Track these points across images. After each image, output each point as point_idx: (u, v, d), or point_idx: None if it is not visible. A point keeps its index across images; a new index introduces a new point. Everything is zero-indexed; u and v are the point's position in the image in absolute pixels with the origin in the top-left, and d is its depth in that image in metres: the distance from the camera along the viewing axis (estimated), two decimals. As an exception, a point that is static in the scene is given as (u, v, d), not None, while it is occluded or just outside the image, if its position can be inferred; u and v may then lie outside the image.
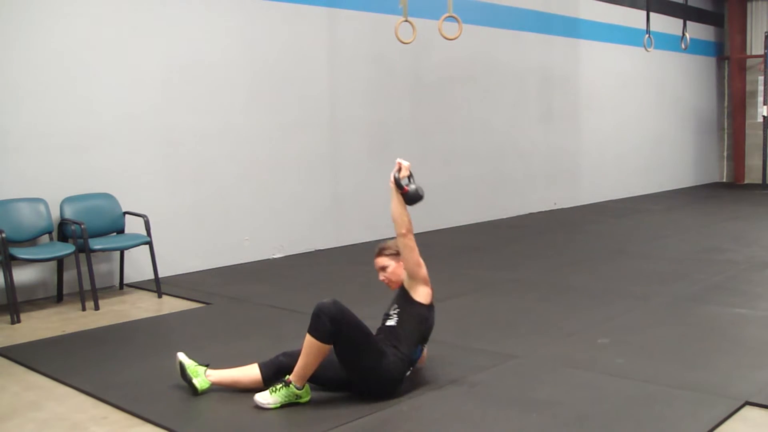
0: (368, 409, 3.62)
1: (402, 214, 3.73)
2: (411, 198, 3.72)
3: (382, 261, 3.92)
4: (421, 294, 3.83)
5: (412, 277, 3.81)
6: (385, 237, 8.79)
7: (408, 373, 3.82)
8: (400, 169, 3.76)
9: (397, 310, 3.84)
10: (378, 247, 3.95)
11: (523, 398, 3.75)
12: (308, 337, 3.57)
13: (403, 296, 3.87)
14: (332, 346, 3.58)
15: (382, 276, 3.93)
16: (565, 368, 4.18)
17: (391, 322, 3.82)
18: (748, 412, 3.55)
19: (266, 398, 3.63)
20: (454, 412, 3.60)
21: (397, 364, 3.70)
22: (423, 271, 3.82)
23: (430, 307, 3.88)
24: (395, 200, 3.74)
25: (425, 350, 4.06)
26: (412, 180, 3.77)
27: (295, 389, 3.63)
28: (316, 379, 3.72)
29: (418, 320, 3.81)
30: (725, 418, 3.45)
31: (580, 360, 4.31)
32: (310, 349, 3.58)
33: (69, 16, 6.36)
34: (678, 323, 5.12)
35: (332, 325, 3.53)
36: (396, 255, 3.87)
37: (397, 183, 3.73)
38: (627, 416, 3.50)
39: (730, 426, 3.41)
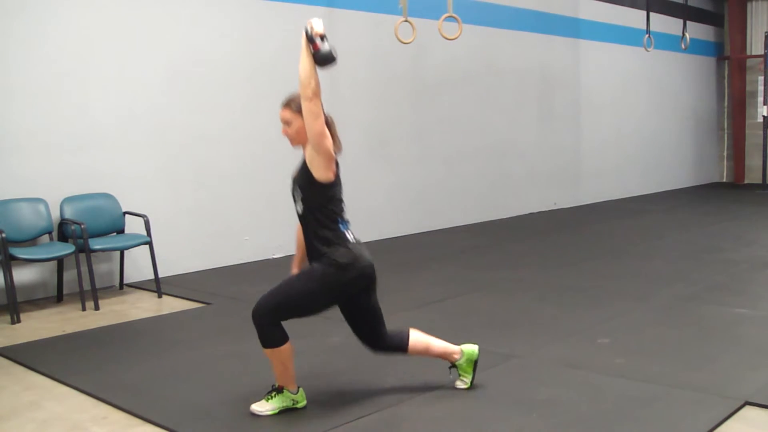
0: (368, 409, 3.62)
1: (310, 75, 3.31)
2: (322, 58, 3.32)
3: (287, 115, 3.53)
4: (323, 171, 3.46)
5: (316, 148, 3.40)
6: (385, 236, 8.88)
7: (351, 243, 3.53)
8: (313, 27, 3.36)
9: (301, 195, 3.54)
10: (286, 99, 3.57)
11: (523, 398, 3.75)
12: (269, 351, 3.51)
13: (305, 176, 3.51)
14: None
15: (284, 130, 3.58)
16: (565, 368, 4.18)
17: (298, 209, 3.58)
18: (748, 412, 3.55)
19: (263, 406, 3.61)
20: (454, 412, 3.60)
21: (337, 261, 3.46)
22: (327, 142, 3.42)
23: (334, 183, 3.53)
24: (305, 59, 3.33)
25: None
26: (325, 40, 3.34)
27: (290, 394, 3.61)
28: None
29: (323, 201, 3.51)
30: (725, 418, 3.45)
31: (580, 360, 4.31)
32: (277, 357, 3.52)
33: (69, 16, 6.36)
34: (678, 323, 5.12)
35: (278, 323, 3.47)
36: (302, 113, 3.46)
37: (309, 39, 3.32)
38: (627, 416, 3.50)
39: (730, 426, 3.41)
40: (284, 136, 3.60)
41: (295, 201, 3.60)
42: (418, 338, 3.83)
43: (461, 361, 3.85)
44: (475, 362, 3.87)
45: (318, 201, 3.51)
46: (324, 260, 3.50)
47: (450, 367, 3.90)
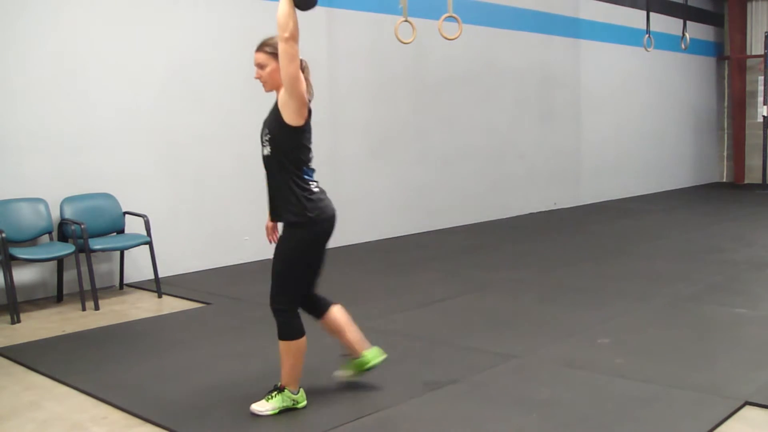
0: (368, 409, 3.62)
1: (289, 16, 3.27)
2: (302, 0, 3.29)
3: (261, 58, 3.52)
4: (295, 115, 3.41)
5: (289, 92, 3.37)
6: (385, 237, 8.87)
7: (315, 193, 3.52)
8: None
9: (269, 136, 3.49)
10: (261, 42, 3.55)
11: (523, 398, 3.75)
12: (284, 343, 3.54)
13: (276, 119, 3.47)
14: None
15: (258, 73, 3.56)
16: (565, 368, 4.18)
17: (265, 152, 3.52)
18: (748, 412, 3.55)
19: (263, 406, 3.61)
20: (454, 412, 3.60)
21: (300, 220, 3.47)
22: (301, 86, 3.37)
23: (304, 129, 3.49)
24: (284, 0, 3.29)
25: None
26: None
27: (290, 394, 3.61)
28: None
29: (291, 146, 3.47)
30: (725, 418, 3.45)
31: (580, 360, 4.31)
32: (291, 351, 3.55)
33: (69, 16, 6.36)
34: (678, 323, 5.12)
35: (294, 310, 3.54)
36: (277, 56, 3.41)
37: None
38: (627, 416, 3.50)
39: (730, 426, 3.41)
40: (257, 80, 3.57)
41: (262, 144, 3.56)
42: (338, 316, 3.81)
43: (356, 361, 3.86)
44: (366, 370, 3.87)
45: (286, 145, 3.47)
46: (289, 218, 3.50)
47: (342, 355, 3.91)
